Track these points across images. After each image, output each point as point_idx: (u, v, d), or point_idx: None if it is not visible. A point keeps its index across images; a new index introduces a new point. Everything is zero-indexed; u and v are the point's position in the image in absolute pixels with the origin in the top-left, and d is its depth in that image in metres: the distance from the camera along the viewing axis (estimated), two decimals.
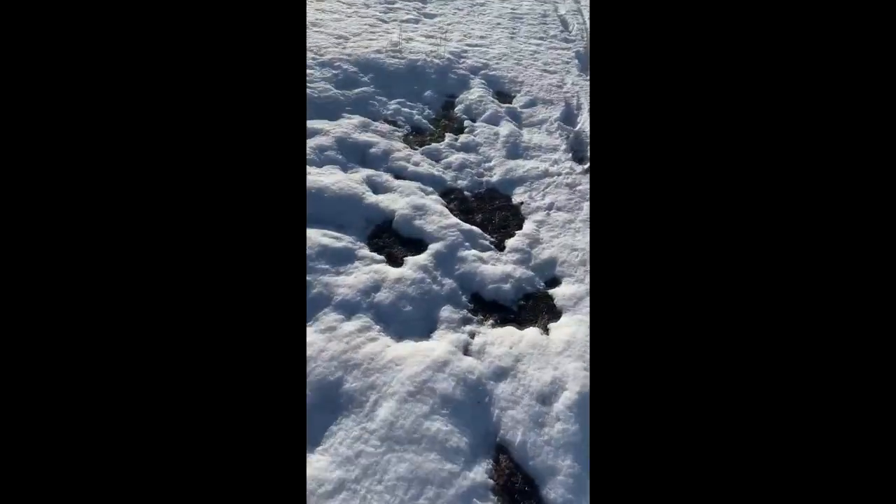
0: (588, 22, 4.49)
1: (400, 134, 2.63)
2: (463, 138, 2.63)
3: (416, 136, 2.65)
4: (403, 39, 3.48)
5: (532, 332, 1.56)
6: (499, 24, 4.19)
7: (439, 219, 2.00)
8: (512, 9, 4.59)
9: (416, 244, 1.92)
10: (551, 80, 3.31)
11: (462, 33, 3.86)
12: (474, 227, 2.02)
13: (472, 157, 2.50)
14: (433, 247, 1.87)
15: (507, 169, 2.43)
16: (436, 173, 2.33)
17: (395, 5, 4.21)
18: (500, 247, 1.97)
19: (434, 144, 2.55)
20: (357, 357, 1.41)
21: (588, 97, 3.16)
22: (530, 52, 3.66)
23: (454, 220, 2.02)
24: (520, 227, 2.08)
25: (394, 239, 1.94)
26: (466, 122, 2.80)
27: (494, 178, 2.38)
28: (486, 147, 2.60)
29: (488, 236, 2.01)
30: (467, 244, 1.92)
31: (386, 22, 3.87)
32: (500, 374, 1.43)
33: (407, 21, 3.95)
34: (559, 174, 2.42)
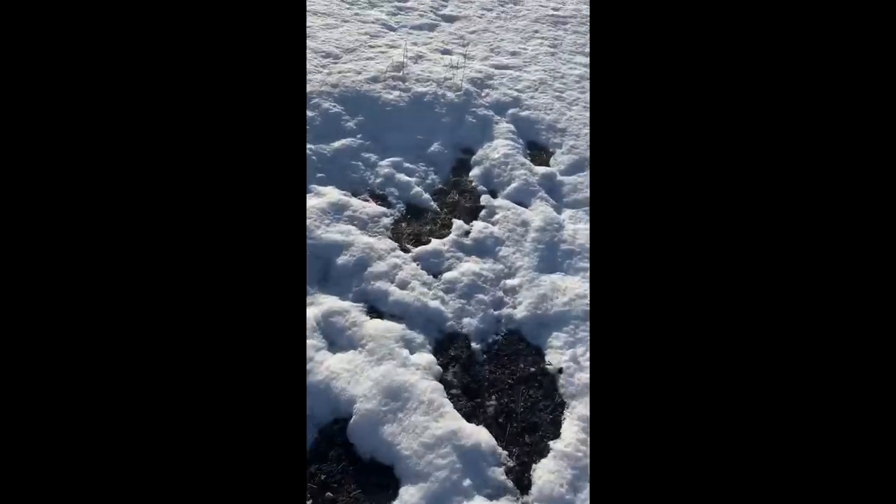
0: None
1: (389, 220, 1.80)
2: (477, 229, 1.78)
3: (412, 225, 1.82)
4: (410, 58, 2.58)
5: None
6: (536, 31, 3.21)
7: (425, 421, 1.20)
8: (553, 9, 3.57)
9: (382, 478, 1.13)
10: None
11: (488, 46, 2.92)
12: (482, 436, 1.21)
13: (487, 267, 1.66)
14: (409, 496, 1.08)
15: (540, 296, 1.59)
16: (431, 304, 1.51)
17: (408, 3, 3.27)
18: (522, 484, 1.16)
19: (434, 243, 1.72)
20: None
21: None
22: (576, 79, 2.71)
23: (452, 422, 1.21)
24: (556, 432, 1.26)
25: (346, 461, 1.16)
26: (484, 199, 1.94)
27: (519, 314, 1.54)
28: (510, 247, 1.75)
29: (503, 455, 1.20)
30: (467, 483, 1.12)
31: (392, 29, 2.95)
32: None
33: (419, 27, 3.03)
34: None
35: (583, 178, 2.06)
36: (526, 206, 1.91)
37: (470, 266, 1.64)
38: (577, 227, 1.84)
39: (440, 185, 1.99)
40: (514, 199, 1.93)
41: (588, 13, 3.57)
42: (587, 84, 2.69)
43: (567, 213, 1.92)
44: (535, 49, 2.99)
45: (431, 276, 1.60)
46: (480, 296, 1.56)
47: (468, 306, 1.53)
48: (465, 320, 1.49)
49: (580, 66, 2.86)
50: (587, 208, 1.94)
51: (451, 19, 3.21)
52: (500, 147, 2.14)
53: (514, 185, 1.98)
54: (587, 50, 3.07)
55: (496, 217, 1.85)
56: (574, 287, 1.61)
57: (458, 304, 1.53)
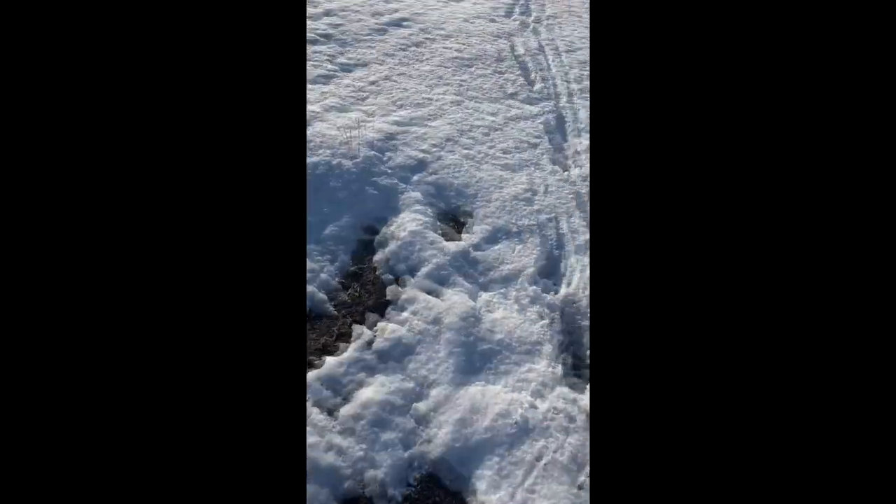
0: (554, 67, 3.42)
1: None
2: (383, 336, 1.50)
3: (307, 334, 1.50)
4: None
5: None
6: (441, 77, 3.03)
7: None
8: (457, 50, 3.42)
9: None
10: (517, 185, 2.21)
11: (391, 98, 2.68)
12: None
13: (395, 387, 1.39)
14: None
15: (458, 421, 1.33)
16: (324, 460, 1.20)
17: None
18: None
19: (329, 363, 1.41)
20: None
21: (570, 216, 2.09)
22: (483, 132, 2.54)
23: None
24: None
25: None
26: (391, 290, 1.67)
27: (434, 451, 1.27)
28: (422, 354, 1.49)
29: None
30: None
31: None
32: None
33: (313, 81, 2.72)
34: (548, 426, 1.35)
35: (496, 253, 1.86)
36: (438, 296, 1.66)
37: (373, 393, 1.35)
38: (494, 318, 1.62)
39: (338, 279, 1.70)
40: (424, 288, 1.68)
41: (493, 53, 3.46)
42: (495, 136, 2.53)
43: (483, 297, 1.70)
44: (440, 97, 2.80)
45: (325, 415, 1.29)
46: (388, 434, 1.27)
47: (372, 451, 1.24)
48: (369, 474, 1.20)
49: (487, 115, 2.70)
50: (503, 290, 1.74)
51: (349, 68, 2.94)
52: (406, 223, 1.89)
53: (424, 269, 1.73)
54: (493, 95, 2.93)
55: (405, 315, 1.59)
56: (495, 402, 1.37)
57: (359, 451, 1.23)
